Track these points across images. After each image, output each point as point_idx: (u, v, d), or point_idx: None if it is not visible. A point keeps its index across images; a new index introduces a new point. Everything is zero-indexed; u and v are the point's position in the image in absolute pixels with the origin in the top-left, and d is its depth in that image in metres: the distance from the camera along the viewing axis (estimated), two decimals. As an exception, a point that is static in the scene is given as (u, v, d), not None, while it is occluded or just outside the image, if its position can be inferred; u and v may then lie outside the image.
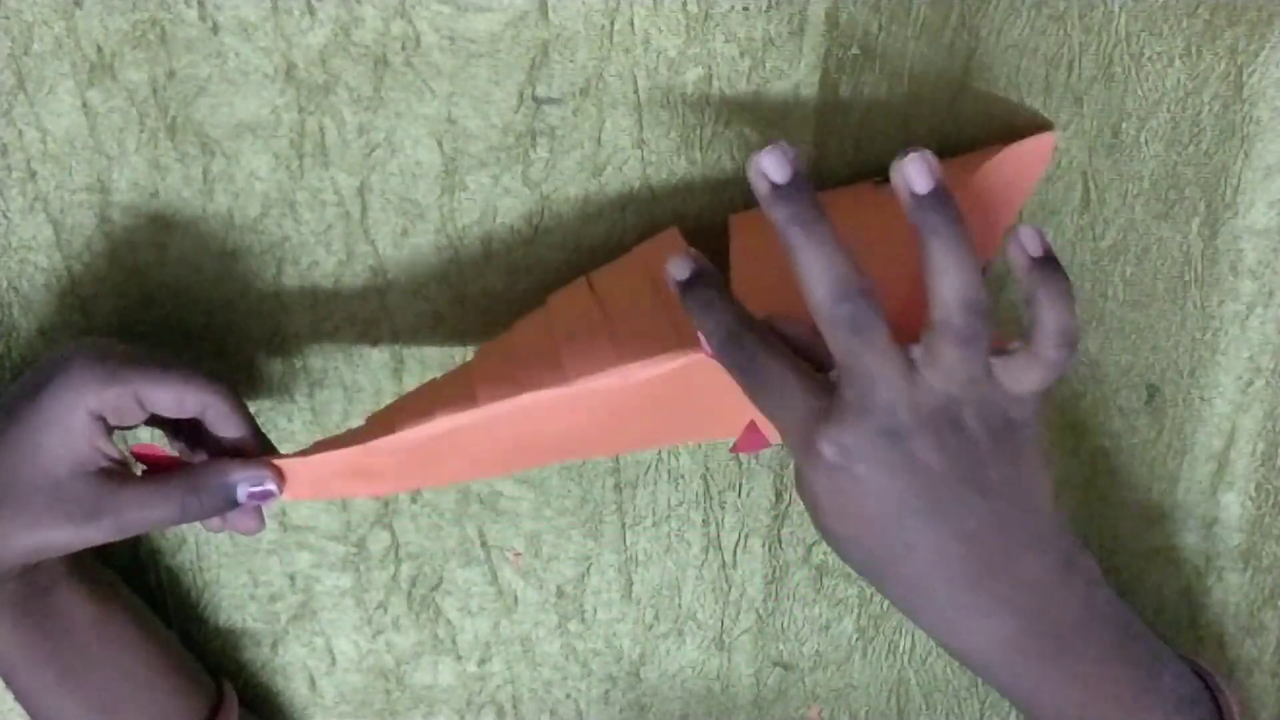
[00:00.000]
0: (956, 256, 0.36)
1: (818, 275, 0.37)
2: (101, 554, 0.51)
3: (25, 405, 0.43)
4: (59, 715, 0.48)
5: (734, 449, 0.46)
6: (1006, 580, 0.39)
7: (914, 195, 0.36)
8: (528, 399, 0.43)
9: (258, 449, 0.46)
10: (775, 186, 0.37)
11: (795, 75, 0.49)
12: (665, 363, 0.43)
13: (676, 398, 0.44)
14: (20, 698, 0.48)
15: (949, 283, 0.36)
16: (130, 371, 0.43)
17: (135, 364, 0.43)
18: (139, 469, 0.45)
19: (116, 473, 0.43)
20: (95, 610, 0.48)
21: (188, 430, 0.46)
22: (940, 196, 0.36)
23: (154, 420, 0.46)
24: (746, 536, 0.55)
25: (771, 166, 0.37)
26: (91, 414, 0.42)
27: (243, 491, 0.43)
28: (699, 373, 0.43)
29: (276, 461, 0.45)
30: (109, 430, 0.43)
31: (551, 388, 0.43)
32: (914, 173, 0.36)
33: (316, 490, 0.46)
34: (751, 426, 0.46)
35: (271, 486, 0.44)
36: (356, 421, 0.52)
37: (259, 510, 0.45)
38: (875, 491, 0.38)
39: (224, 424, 0.45)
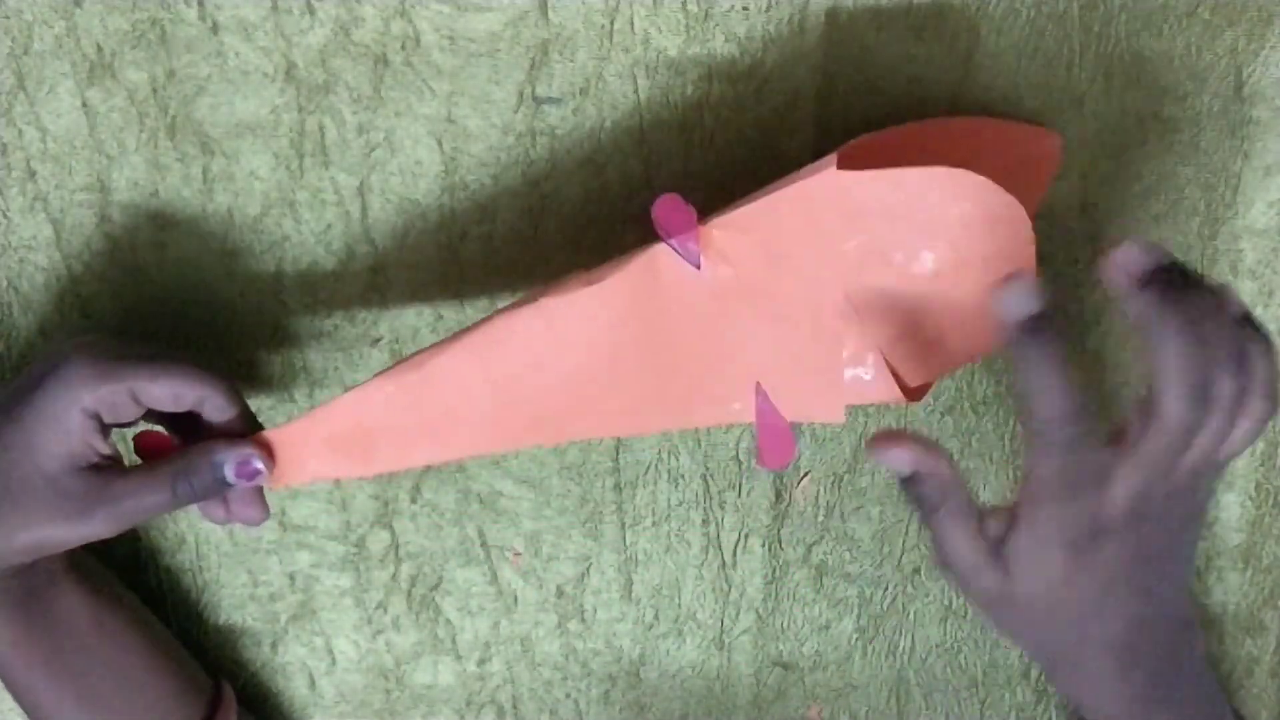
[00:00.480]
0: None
1: (1051, 399, 0.38)
2: (101, 553, 0.51)
3: (20, 404, 0.43)
4: (55, 713, 0.48)
5: (760, 463, 0.46)
6: (1146, 642, 0.42)
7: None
8: (499, 322, 0.43)
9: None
10: (1028, 318, 0.38)
11: (795, 75, 0.49)
12: (626, 262, 0.43)
13: (653, 324, 0.44)
14: (17, 696, 0.48)
15: (1177, 378, 0.37)
16: (125, 369, 0.43)
17: (130, 361, 0.43)
18: (130, 460, 0.45)
19: (109, 467, 0.43)
20: (92, 608, 0.48)
21: (185, 423, 0.46)
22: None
23: (151, 414, 0.46)
24: (746, 536, 0.55)
25: (1023, 300, 0.38)
26: (86, 412, 0.42)
27: (229, 470, 0.43)
28: (668, 279, 0.43)
29: (266, 434, 0.44)
30: (104, 427, 0.43)
31: (521, 308, 0.43)
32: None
33: (312, 469, 0.45)
34: (769, 429, 0.46)
35: (258, 464, 0.44)
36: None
37: (259, 498, 0.45)
38: (1064, 593, 0.40)
39: (221, 416, 0.45)
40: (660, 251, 0.43)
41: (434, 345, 0.44)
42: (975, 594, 0.42)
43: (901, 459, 0.42)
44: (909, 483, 0.42)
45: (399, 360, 0.45)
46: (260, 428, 0.46)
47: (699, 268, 0.43)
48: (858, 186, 0.41)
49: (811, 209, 0.42)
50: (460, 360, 0.44)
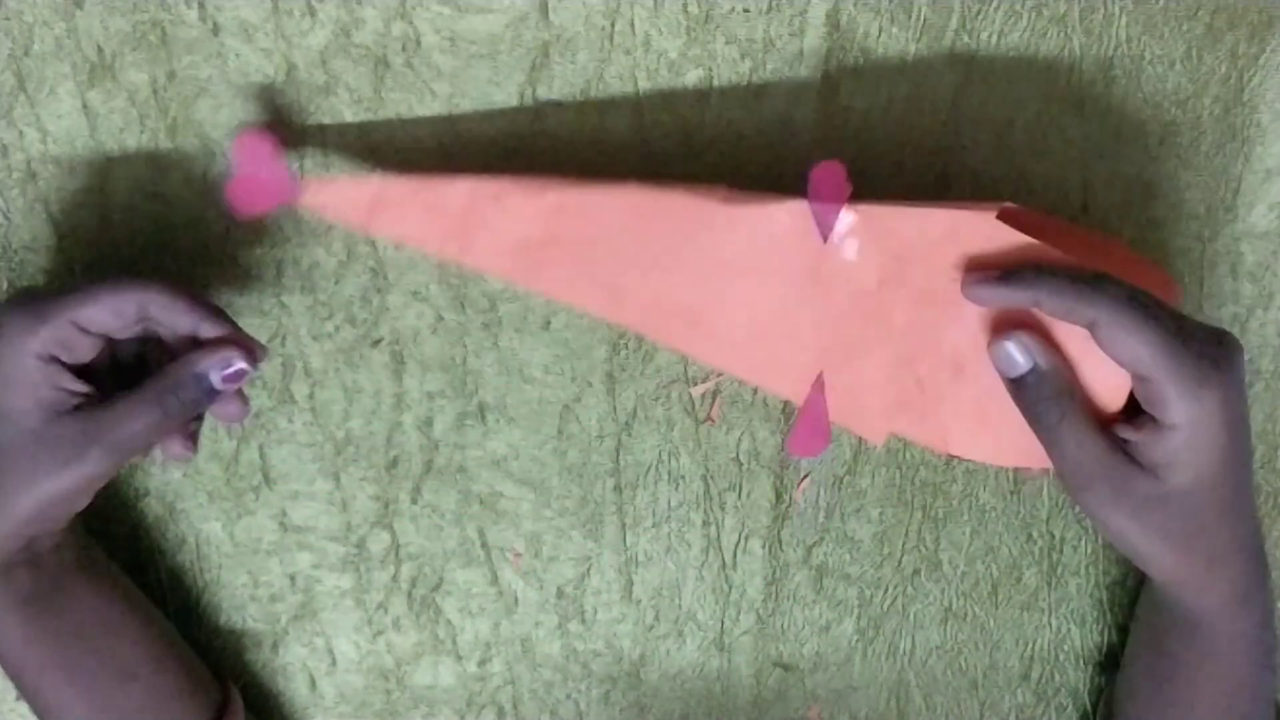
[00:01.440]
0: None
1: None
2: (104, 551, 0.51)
3: None
4: (63, 714, 0.48)
5: (789, 448, 0.46)
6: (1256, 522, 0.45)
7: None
8: (635, 190, 0.44)
9: (224, 327, 0.44)
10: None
11: (796, 77, 0.49)
12: (766, 201, 0.43)
13: (756, 269, 0.44)
14: (26, 695, 0.48)
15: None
16: (58, 303, 0.42)
17: (62, 294, 0.42)
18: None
19: (90, 404, 0.43)
20: (103, 607, 0.48)
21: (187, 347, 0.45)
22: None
23: (145, 356, 0.46)
24: (746, 538, 0.56)
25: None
26: (41, 357, 0.42)
27: (216, 377, 0.43)
28: (791, 238, 0.43)
29: (376, 180, 0.44)
30: (71, 369, 0.43)
31: (656, 191, 0.44)
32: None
33: (405, 231, 0.45)
34: (811, 419, 0.46)
35: (241, 365, 0.43)
36: (357, 422, 0.53)
37: (239, 396, 0.45)
38: (1226, 458, 0.42)
39: (176, 318, 0.43)
40: (799, 208, 0.43)
41: (563, 181, 0.45)
42: (1121, 504, 0.42)
43: (1016, 355, 0.41)
44: (1024, 385, 0.41)
45: (523, 178, 0.45)
46: (226, 316, 0.44)
47: (825, 241, 0.43)
48: (1008, 240, 0.41)
49: (956, 242, 0.42)
50: (590, 202, 0.44)
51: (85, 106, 0.48)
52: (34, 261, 0.50)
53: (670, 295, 0.46)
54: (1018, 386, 0.41)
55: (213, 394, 0.43)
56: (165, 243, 0.50)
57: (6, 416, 0.42)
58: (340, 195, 0.45)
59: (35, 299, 0.43)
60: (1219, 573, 0.44)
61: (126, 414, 0.42)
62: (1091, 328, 0.40)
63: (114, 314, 0.43)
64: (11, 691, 0.54)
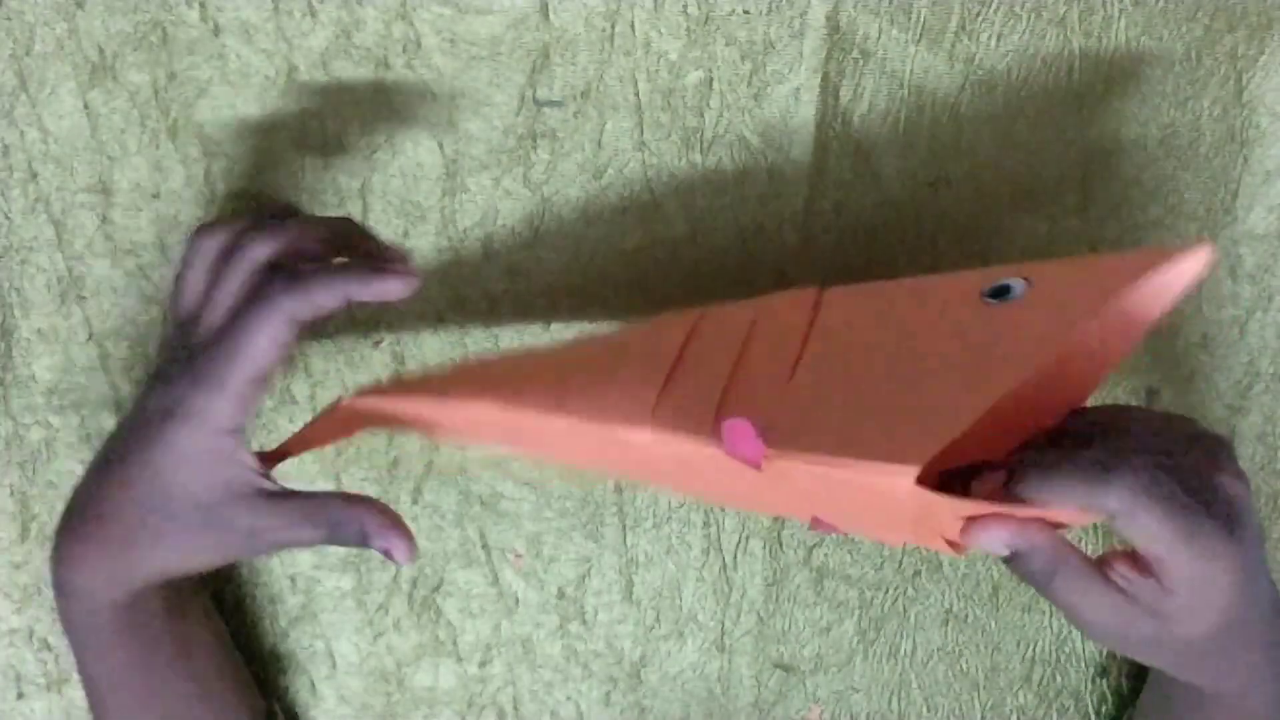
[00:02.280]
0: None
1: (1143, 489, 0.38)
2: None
3: (164, 432, 0.41)
4: None
5: (813, 528, 0.47)
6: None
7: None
8: (600, 429, 0.43)
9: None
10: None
11: (795, 79, 0.49)
12: (688, 436, 0.42)
13: (709, 470, 0.44)
14: (97, 703, 0.47)
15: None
16: (229, 370, 0.41)
17: (226, 358, 0.41)
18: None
19: (268, 494, 0.42)
20: (193, 628, 0.49)
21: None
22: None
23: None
24: (747, 538, 0.56)
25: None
26: (230, 434, 0.41)
27: (377, 544, 0.43)
28: (715, 464, 0.43)
29: (393, 402, 0.46)
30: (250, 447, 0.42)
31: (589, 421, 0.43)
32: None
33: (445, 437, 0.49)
34: (831, 529, 0.46)
35: (399, 554, 0.43)
36: (357, 423, 0.53)
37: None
38: (1233, 596, 0.40)
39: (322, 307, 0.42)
40: (717, 455, 0.42)
41: (542, 394, 0.44)
42: (1134, 643, 0.41)
43: (996, 541, 0.40)
44: (1014, 562, 0.40)
45: (478, 396, 0.45)
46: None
47: (759, 470, 0.42)
48: (923, 498, 0.39)
49: (871, 493, 0.41)
50: (542, 428, 0.44)
51: (86, 106, 0.48)
52: (35, 262, 0.50)
53: (650, 471, 0.46)
54: (1010, 563, 0.41)
55: (362, 546, 0.43)
56: (166, 244, 0.50)
57: (185, 488, 0.41)
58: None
59: (205, 369, 0.41)
60: (1242, 670, 0.44)
61: (294, 529, 0.42)
62: (1110, 518, 0.38)
63: (279, 349, 0.41)
64: (12, 690, 0.54)
